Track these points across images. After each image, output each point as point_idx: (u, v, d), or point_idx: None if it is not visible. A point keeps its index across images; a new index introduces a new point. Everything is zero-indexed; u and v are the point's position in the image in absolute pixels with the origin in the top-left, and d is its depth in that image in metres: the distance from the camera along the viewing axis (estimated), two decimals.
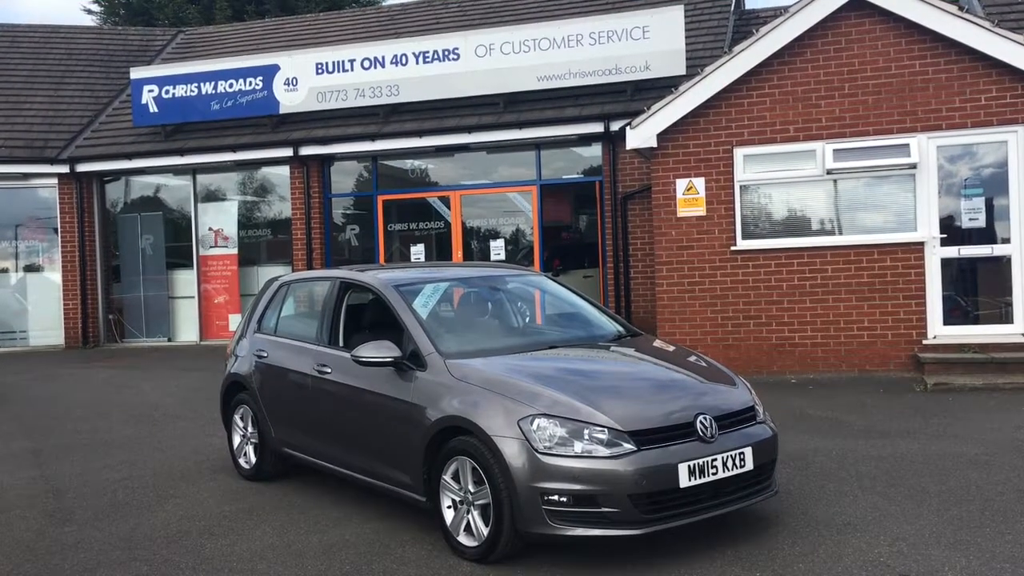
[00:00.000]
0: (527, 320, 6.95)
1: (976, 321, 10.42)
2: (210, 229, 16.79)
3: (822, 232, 10.77)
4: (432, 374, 5.53)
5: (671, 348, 6.41)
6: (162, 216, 17.13)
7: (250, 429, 7.27)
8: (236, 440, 7.45)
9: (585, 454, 4.84)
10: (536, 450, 4.87)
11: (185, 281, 17.00)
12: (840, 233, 10.68)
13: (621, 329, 6.59)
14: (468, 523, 5.21)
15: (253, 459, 7.23)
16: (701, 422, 5.08)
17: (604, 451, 4.85)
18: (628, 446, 4.86)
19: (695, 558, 5.07)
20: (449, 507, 5.34)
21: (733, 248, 10.93)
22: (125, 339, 17.18)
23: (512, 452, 4.90)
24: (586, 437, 4.89)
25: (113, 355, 15.78)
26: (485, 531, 5.08)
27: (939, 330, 10.34)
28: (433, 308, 6.26)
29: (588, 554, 5.16)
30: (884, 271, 10.44)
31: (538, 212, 14.59)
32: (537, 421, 4.94)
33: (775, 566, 4.94)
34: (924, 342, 10.30)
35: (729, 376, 5.81)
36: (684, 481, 4.89)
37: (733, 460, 5.09)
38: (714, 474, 5.00)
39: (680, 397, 5.31)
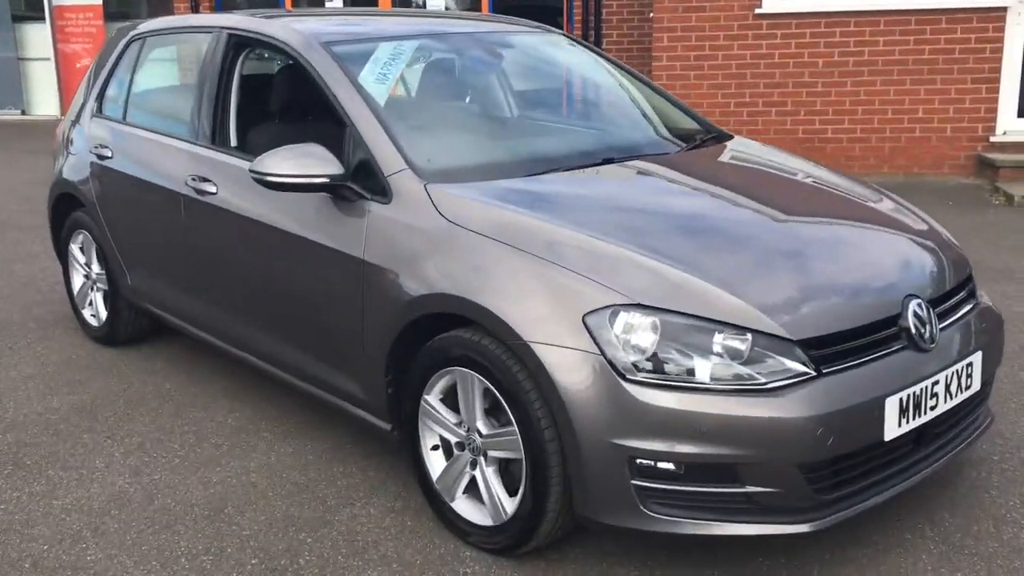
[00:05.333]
0: (554, 114, 4.30)
1: None
2: None
3: None
4: (400, 209, 3.01)
5: (818, 166, 3.83)
6: None
7: (96, 268, 4.69)
8: (77, 282, 4.89)
9: (717, 385, 2.49)
10: (621, 374, 2.49)
11: (38, 39, 13.51)
12: None
13: (700, 127, 4.08)
14: (476, 485, 2.88)
15: (104, 314, 4.69)
16: (915, 312, 2.75)
17: (756, 377, 2.50)
18: (800, 367, 2.52)
19: (859, 540, 2.90)
20: (435, 449, 2.99)
21: (758, 11, 8.37)
22: None
23: (573, 378, 2.51)
24: (718, 350, 2.51)
25: None
26: (510, 507, 2.75)
27: (1010, 124, 8.20)
28: (395, 88, 3.56)
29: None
30: (952, 45, 8.08)
31: None
32: (623, 317, 2.53)
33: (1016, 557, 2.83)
34: (991, 139, 8.15)
35: (929, 224, 3.39)
36: (892, 429, 2.62)
37: (959, 379, 2.82)
38: (932, 408, 2.73)
39: (872, 264, 2.91)
